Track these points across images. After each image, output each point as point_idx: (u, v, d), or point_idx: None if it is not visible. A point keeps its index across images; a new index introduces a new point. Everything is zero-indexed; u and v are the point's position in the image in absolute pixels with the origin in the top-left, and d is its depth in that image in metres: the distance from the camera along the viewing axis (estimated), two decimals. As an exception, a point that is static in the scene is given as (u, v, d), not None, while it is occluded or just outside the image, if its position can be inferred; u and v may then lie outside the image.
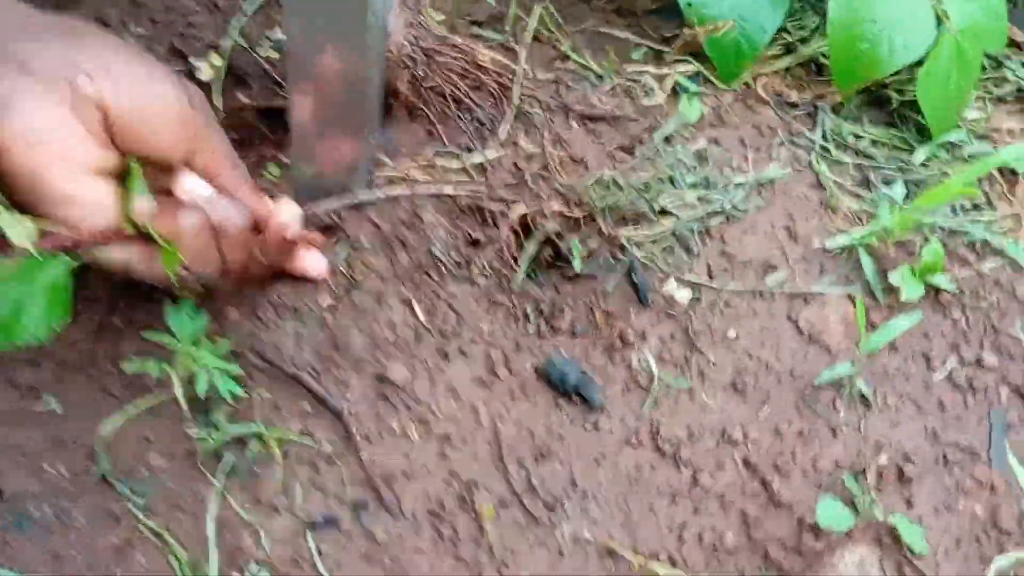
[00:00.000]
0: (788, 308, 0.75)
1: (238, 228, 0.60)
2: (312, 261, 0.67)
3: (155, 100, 0.53)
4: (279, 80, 0.83)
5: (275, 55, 0.87)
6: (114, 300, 0.66)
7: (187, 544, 0.57)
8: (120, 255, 0.55)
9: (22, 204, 0.51)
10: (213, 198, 0.59)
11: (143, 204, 0.54)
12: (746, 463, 0.66)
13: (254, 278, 0.64)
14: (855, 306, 0.72)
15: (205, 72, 0.85)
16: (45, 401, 0.62)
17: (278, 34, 0.88)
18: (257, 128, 0.79)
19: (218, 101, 0.82)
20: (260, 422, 0.61)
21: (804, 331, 0.74)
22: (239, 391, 0.61)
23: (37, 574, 0.55)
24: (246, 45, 0.88)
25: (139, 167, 0.54)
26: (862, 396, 0.70)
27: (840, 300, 0.75)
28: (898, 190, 0.84)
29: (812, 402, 0.70)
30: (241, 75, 0.85)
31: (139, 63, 0.53)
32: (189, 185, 0.58)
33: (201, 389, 0.59)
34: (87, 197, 0.52)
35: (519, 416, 0.66)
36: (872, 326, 0.72)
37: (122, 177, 0.55)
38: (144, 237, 0.54)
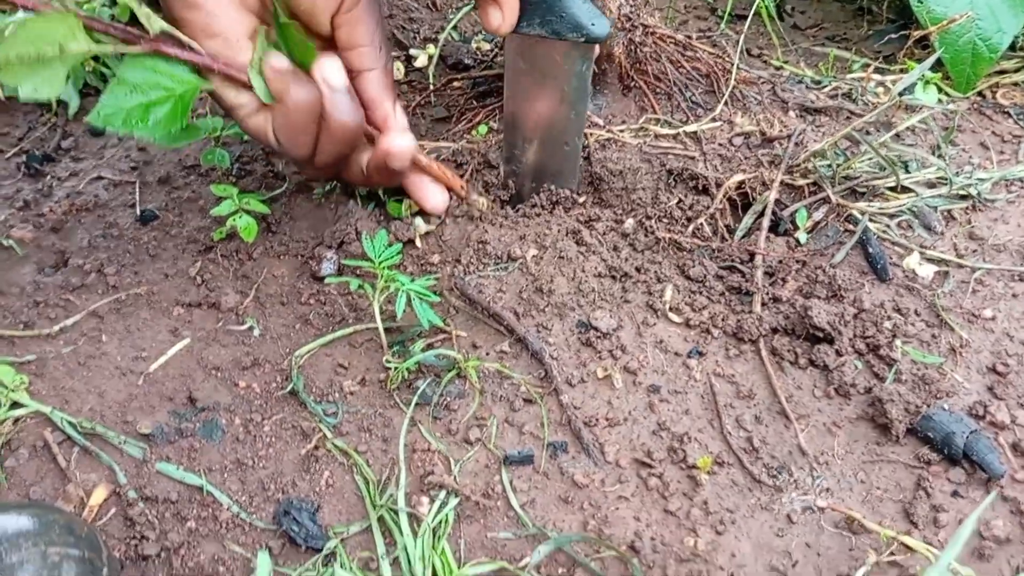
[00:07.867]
0: (1055, 294, 0.64)
1: (344, 128, 0.56)
2: (432, 196, 0.64)
3: None
4: (489, 65, 0.83)
5: (486, 46, 0.88)
6: (316, 243, 0.66)
7: (375, 466, 0.53)
8: (233, 98, 0.56)
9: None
10: (338, 87, 0.56)
11: (272, 60, 0.54)
12: (1015, 448, 0.55)
13: (351, 180, 0.63)
14: None
15: (421, 59, 0.87)
16: (246, 324, 0.61)
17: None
18: (469, 101, 0.79)
19: (434, 82, 0.84)
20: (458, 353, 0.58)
21: (1077, 318, 0.62)
22: (438, 321, 0.57)
23: (221, 479, 0.52)
24: (459, 38, 0.90)
25: (265, 28, 0.55)
26: None
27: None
28: None
29: (1095, 392, 0.58)
30: (454, 63, 0.86)
31: None
32: (325, 67, 0.55)
33: (400, 309, 0.56)
34: (228, 31, 0.54)
35: (736, 375, 0.59)
36: None
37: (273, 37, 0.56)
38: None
